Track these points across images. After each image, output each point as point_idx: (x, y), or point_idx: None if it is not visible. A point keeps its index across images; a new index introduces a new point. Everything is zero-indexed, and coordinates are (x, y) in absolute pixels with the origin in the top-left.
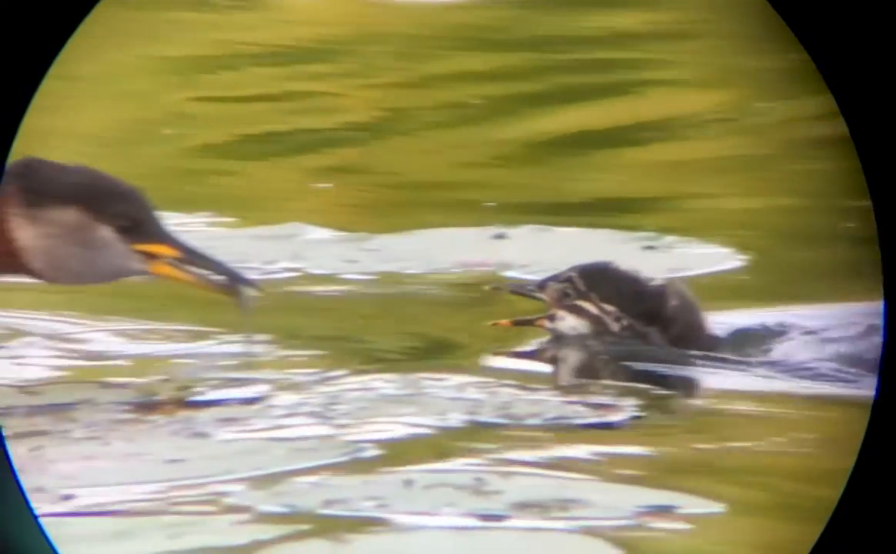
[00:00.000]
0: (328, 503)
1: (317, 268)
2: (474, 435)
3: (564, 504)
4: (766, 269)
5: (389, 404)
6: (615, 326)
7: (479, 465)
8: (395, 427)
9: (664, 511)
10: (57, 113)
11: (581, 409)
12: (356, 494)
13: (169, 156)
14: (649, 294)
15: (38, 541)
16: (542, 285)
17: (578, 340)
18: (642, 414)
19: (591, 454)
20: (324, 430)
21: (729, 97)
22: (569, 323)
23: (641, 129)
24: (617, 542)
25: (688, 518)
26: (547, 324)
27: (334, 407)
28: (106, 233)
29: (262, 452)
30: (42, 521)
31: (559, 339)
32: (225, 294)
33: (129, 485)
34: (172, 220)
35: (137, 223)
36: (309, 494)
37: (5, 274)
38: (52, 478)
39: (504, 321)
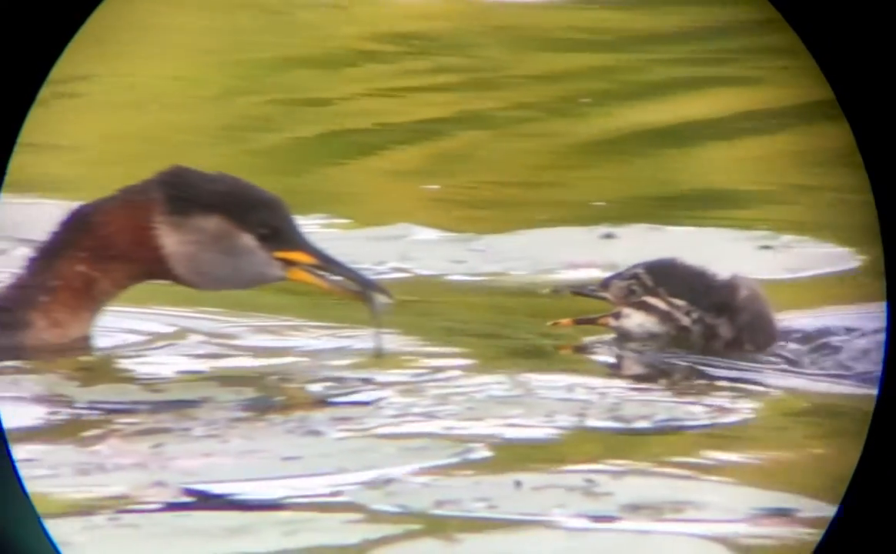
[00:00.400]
0: (439, 503)
1: (424, 269)
2: (583, 437)
3: (678, 506)
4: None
5: (499, 405)
6: (686, 320)
7: (589, 466)
8: (505, 428)
9: (781, 514)
10: (178, 110)
11: (694, 410)
12: (467, 495)
13: (281, 157)
14: (718, 286)
15: (42, 543)
16: (605, 284)
17: (646, 337)
18: (755, 415)
19: (704, 456)
20: (434, 429)
21: None
22: (635, 320)
23: (749, 119)
24: (731, 545)
25: (804, 521)
26: (612, 322)
27: (444, 407)
28: (247, 240)
29: (373, 451)
30: (46, 523)
31: (624, 337)
32: (359, 300)
33: (246, 481)
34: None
35: (277, 231)
36: (420, 493)
37: (152, 279)
38: (172, 473)
39: (565, 320)
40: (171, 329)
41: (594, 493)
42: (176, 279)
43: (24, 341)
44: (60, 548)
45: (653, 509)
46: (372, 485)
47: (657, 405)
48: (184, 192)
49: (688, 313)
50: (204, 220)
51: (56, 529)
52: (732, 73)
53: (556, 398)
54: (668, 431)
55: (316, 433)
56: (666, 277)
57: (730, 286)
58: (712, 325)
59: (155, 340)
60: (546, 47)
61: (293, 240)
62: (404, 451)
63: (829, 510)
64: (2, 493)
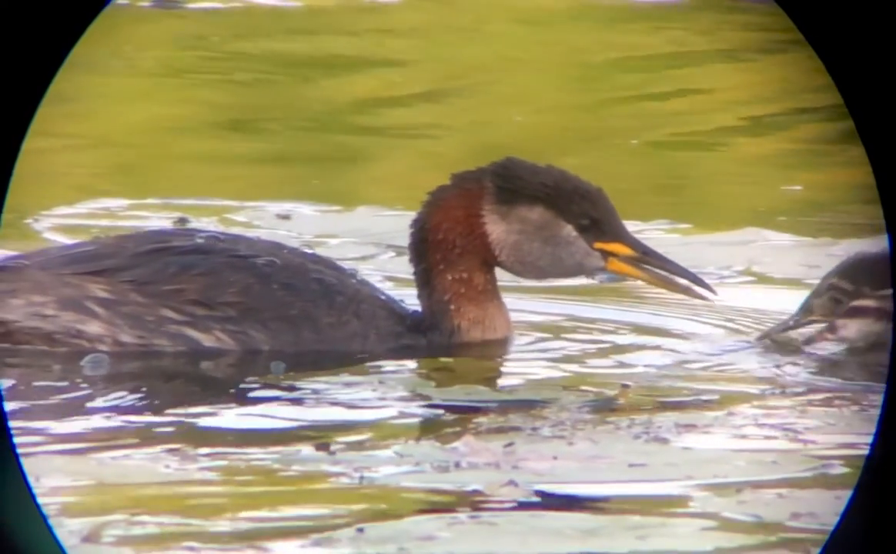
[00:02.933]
0: (795, 516)
1: (776, 273)
2: None
3: None
4: None
5: (861, 421)
6: None
7: None
8: (866, 446)
9: None
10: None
11: None
12: (825, 510)
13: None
14: None
15: (47, 543)
16: (806, 309)
17: (873, 339)
18: None
19: None
20: (786, 443)
21: None
22: (853, 328)
23: None
24: None
25: None
26: (830, 337)
27: (798, 421)
28: (569, 231)
29: (723, 462)
30: (52, 522)
31: (853, 350)
32: (679, 292)
33: (594, 484)
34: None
35: (597, 222)
36: (774, 505)
37: (490, 267)
38: (522, 473)
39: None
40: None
41: None
42: (503, 267)
43: (456, 341)
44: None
45: None
46: (722, 492)
47: None
48: (512, 183)
49: None
50: (528, 211)
51: (419, 525)
52: None
53: None
54: None
55: (662, 440)
56: (861, 274)
57: None
58: None
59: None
60: None
61: (613, 231)
62: (754, 464)
63: None
64: (8, 494)
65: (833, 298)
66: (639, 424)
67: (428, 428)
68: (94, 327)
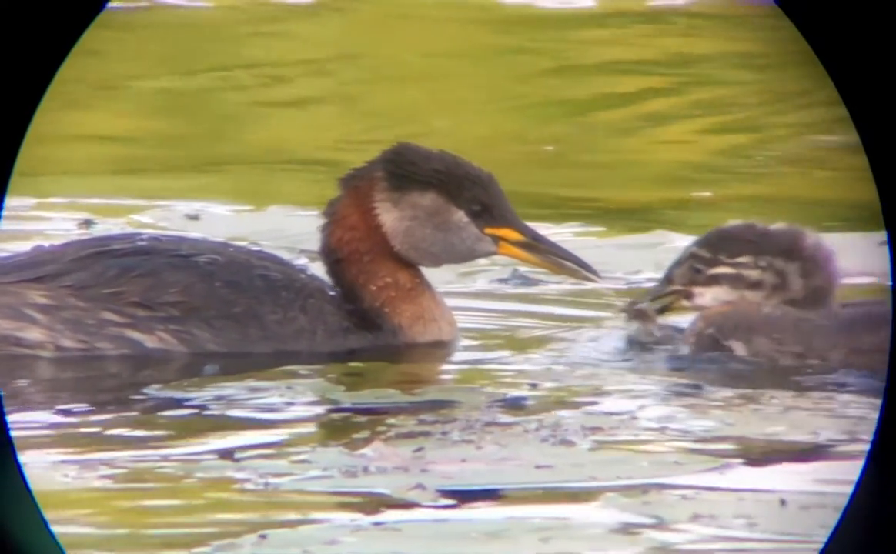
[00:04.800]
0: (696, 518)
1: None
2: (841, 449)
3: None
4: None
5: (760, 420)
6: (755, 274)
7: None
8: (767, 444)
9: None
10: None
11: None
12: (725, 511)
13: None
14: (780, 232)
15: (48, 544)
16: (668, 279)
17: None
18: None
19: None
20: (687, 443)
21: None
22: (708, 296)
23: None
24: None
25: None
26: (687, 304)
27: (696, 422)
28: (460, 216)
29: (627, 463)
30: (52, 526)
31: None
32: (566, 276)
33: (501, 486)
34: (543, 230)
35: (489, 208)
36: (677, 506)
37: (391, 259)
38: (431, 477)
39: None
40: None
41: None
42: (396, 256)
43: (402, 340)
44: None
45: None
46: (627, 494)
47: None
48: (403, 169)
49: (755, 266)
50: (420, 197)
51: (323, 530)
52: None
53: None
54: None
55: (568, 443)
56: (720, 243)
57: (793, 231)
58: (782, 271)
59: None
60: None
61: (503, 217)
62: (656, 465)
63: None
64: (9, 495)
65: (692, 267)
66: (547, 426)
67: (336, 433)
68: (34, 334)
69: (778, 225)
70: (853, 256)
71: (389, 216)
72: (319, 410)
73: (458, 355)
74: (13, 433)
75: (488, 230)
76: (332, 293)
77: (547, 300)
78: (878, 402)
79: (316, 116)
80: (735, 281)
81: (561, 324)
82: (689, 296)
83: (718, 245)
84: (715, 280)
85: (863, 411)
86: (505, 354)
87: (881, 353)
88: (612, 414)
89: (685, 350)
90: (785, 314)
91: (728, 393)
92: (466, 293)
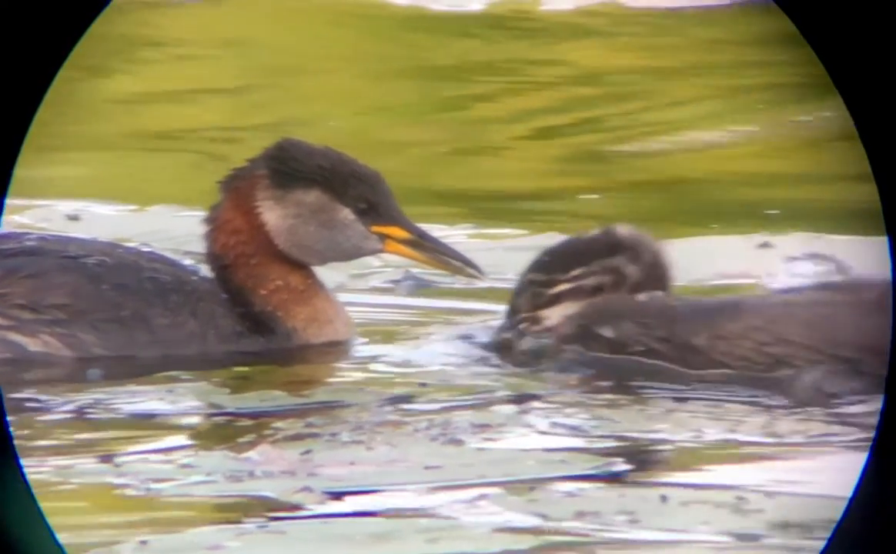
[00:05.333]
0: (580, 515)
1: None
2: (730, 451)
3: (829, 525)
4: None
5: (645, 419)
6: (592, 280)
7: (740, 482)
8: (650, 442)
9: None
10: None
11: (841, 427)
12: (609, 508)
13: None
14: (597, 237)
15: (47, 543)
16: (514, 309)
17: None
18: None
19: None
20: (577, 442)
21: None
22: (555, 315)
23: None
24: None
25: None
26: (537, 329)
27: (586, 419)
28: (346, 214)
29: (514, 461)
30: (51, 523)
31: (561, 338)
32: (454, 273)
33: (390, 488)
34: (436, 232)
35: (375, 206)
36: (562, 504)
37: (291, 269)
38: (319, 480)
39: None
40: None
41: (743, 510)
42: (281, 255)
43: (296, 342)
44: None
45: (802, 528)
46: (515, 492)
47: (810, 423)
48: (287, 166)
49: (590, 273)
50: (304, 194)
51: (205, 536)
52: None
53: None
54: (820, 445)
55: (458, 442)
56: (551, 262)
57: (607, 231)
58: (616, 267)
59: None
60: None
61: (390, 215)
62: (545, 463)
63: None
64: (10, 497)
65: (533, 293)
66: (437, 426)
67: (221, 437)
68: None
69: (594, 231)
70: (735, 258)
71: (273, 215)
72: (203, 414)
73: (353, 356)
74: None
75: (375, 228)
76: (224, 296)
77: (441, 298)
78: (760, 403)
79: (198, 106)
80: (576, 293)
81: (453, 323)
82: (537, 321)
83: (551, 265)
84: (557, 299)
85: (744, 413)
86: (397, 353)
87: (744, 339)
88: (500, 413)
89: (557, 340)
90: (651, 300)
91: (613, 393)
92: (360, 291)
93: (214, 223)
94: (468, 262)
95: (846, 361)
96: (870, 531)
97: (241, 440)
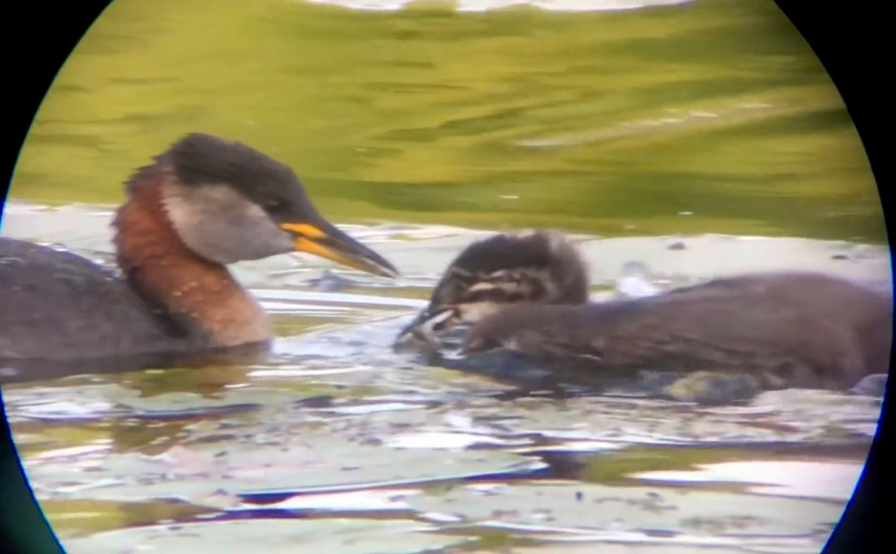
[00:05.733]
0: (498, 514)
1: None
2: (647, 453)
3: (740, 522)
4: None
5: (563, 419)
6: (512, 287)
7: (654, 480)
8: (567, 442)
9: None
10: None
11: (764, 430)
12: (526, 506)
13: None
14: (527, 242)
15: (47, 543)
16: (437, 299)
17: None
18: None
19: (770, 473)
20: (494, 440)
21: None
22: (475, 311)
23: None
24: None
25: None
26: (456, 321)
27: (502, 418)
28: (255, 211)
29: (432, 461)
30: (50, 523)
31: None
32: (367, 271)
33: (307, 489)
34: (356, 233)
35: (286, 203)
36: (480, 503)
37: (206, 269)
38: (234, 482)
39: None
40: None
41: (657, 507)
42: (189, 252)
43: (213, 345)
44: None
45: (714, 524)
46: (432, 492)
47: (726, 424)
48: (194, 161)
49: (510, 279)
50: (212, 190)
51: (116, 540)
52: None
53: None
54: (737, 446)
55: (376, 442)
56: (476, 260)
57: (538, 238)
58: (537, 279)
59: None
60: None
61: (301, 212)
62: (462, 462)
63: None
64: (11, 498)
65: (456, 286)
66: (355, 426)
67: (133, 440)
68: None
69: (525, 233)
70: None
71: (180, 212)
72: (113, 416)
73: (270, 356)
74: None
75: (286, 226)
76: (139, 299)
77: (360, 295)
78: (670, 402)
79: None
80: (495, 295)
81: (371, 323)
82: (458, 313)
83: (475, 262)
84: (477, 296)
85: (659, 413)
86: (315, 353)
87: (641, 339)
88: (418, 412)
89: (464, 351)
90: (553, 308)
91: (530, 395)
92: (278, 288)
93: (122, 225)
94: (382, 261)
95: (740, 355)
96: (868, 536)
97: (153, 443)
